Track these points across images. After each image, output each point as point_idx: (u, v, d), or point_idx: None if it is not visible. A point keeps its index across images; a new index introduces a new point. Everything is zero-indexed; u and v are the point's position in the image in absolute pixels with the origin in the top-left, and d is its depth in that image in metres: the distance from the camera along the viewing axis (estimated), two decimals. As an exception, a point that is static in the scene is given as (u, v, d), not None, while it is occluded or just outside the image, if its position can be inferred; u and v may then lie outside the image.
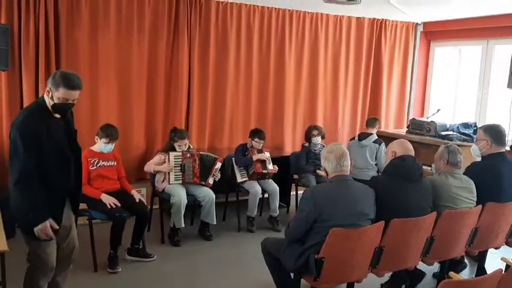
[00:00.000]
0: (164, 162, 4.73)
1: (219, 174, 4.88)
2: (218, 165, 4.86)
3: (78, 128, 4.51)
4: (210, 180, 4.82)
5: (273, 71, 6.27)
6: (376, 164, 5.67)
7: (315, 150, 5.60)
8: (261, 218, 5.50)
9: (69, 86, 2.75)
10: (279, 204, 5.38)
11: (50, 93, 2.77)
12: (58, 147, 2.84)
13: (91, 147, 4.28)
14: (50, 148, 2.78)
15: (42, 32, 4.87)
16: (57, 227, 2.81)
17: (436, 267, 3.89)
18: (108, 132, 4.24)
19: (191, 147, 5.04)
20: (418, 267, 3.62)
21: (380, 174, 5.50)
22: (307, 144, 5.73)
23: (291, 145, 6.49)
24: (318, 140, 5.61)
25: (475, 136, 4.85)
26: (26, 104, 4.89)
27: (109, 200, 4.05)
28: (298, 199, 4.26)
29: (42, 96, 2.87)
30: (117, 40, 5.29)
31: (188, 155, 4.76)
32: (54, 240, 2.89)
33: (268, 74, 6.25)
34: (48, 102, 2.80)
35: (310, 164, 5.58)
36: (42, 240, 2.80)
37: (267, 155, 5.27)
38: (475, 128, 5.62)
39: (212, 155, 4.95)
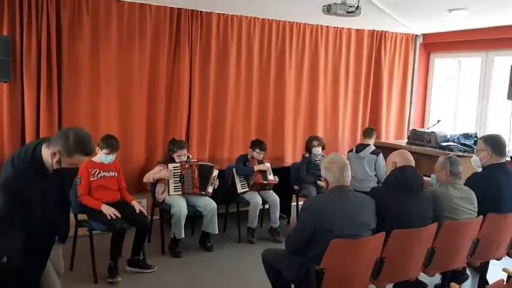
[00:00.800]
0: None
1: (217, 181, 4.88)
2: (215, 172, 4.86)
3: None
4: (210, 189, 4.82)
5: (273, 82, 6.30)
6: (375, 175, 5.66)
7: (316, 160, 5.59)
8: (262, 229, 5.48)
9: (86, 153, 2.52)
10: (280, 215, 5.36)
11: (57, 157, 2.46)
12: (48, 214, 2.55)
13: (92, 158, 4.28)
14: (40, 214, 2.50)
15: (44, 44, 4.91)
16: None
17: (437, 278, 3.87)
18: (109, 143, 4.24)
19: (190, 157, 5.05)
20: (419, 278, 3.61)
21: (380, 185, 5.50)
22: (307, 155, 5.73)
23: (291, 156, 6.50)
24: (318, 150, 5.61)
25: (475, 147, 4.85)
26: (27, 115, 4.93)
27: (109, 211, 4.04)
28: (299, 210, 4.26)
29: (39, 149, 2.52)
30: (118, 52, 5.33)
31: (187, 165, 4.76)
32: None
33: (269, 85, 6.28)
34: (50, 163, 2.49)
35: (311, 174, 5.58)
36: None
37: (267, 165, 5.28)
38: (476, 139, 5.62)
39: (209, 163, 4.95)
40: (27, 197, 2.42)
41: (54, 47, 4.99)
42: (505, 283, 2.41)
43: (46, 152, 2.50)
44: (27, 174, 2.45)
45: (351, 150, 5.94)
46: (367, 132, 5.88)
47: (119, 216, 4.06)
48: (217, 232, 4.83)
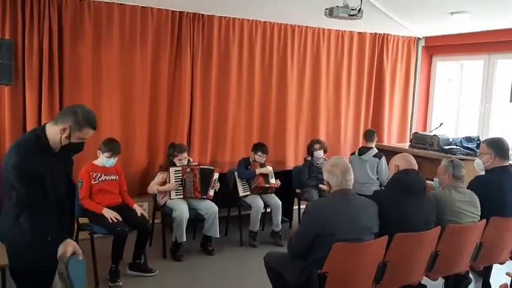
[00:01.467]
0: (165, 181, 4.72)
1: (218, 184, 4.87)
2: (216, 175, 4.85)
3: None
4: (211, 192, 4.81)
5: (275, 85, 6.30)
6: (377, 178, 5.64)
7: (318, 164, 5.58)
8: (264, 232, 5.46)
9: (93, 127, 2.61)
10: (282, 218, 5.34)
11: (67, 132, 2.51)
12: (56, 190, 2.59)
13: (93, 162, 4.28)
14: (50, 191, 2.53)
15: (46, 47, 4.91)
16: (80, 251, 2.59)
17: (440, 282, 3.84)
18: (111, 146, 4.24)
19: (191, 160, 5.03)
20: (422, 282, 3.58)
21: (382, 188, 5.48)
22: (309, 158, 5.71)
23: (293, 159, 6.48)
24: (320, 154, 5.60)
25: (478, 150, 4.83)
26: (29, 118, 4.92)
27: (111, 215, 4.03)
28: (301, 213, 4.24)
29: (41, 129, 2.58)
30: (120, 55, 5.33)
31: (188, 169, 4.75)
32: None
33: (271, 89, 6.28)
34: (58, 140, 2.53)
35: (313, 178, 5.56)
36: (40, 284, 2.61)
37: (269, 169, 5.26)
38: (478, 142, 5.60)
39: (209, 167, 4.94)
40: (40, 173, 2.46)
41: (56, 50, 4.99)
42: (508, 287, 2.38)
43: (53, 130, 2.53)
44: (34, 152, 2.49)
45: (353, 153, 5.92)
46: (369, 135, 5.85)
47: (120, 219, 4.05)
48: (218, 236, 4.81)
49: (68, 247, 2.48)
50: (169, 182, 4.71)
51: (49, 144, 2.54)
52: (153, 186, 4.77)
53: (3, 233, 2.62)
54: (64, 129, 2.51)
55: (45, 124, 2.61)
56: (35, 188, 2.45)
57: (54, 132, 2.53)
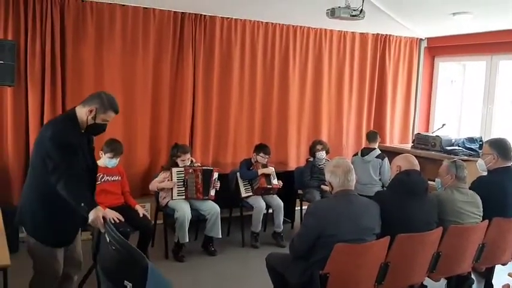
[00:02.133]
0: (167, 180, 4.73)
1: (219, 183, 4.88)
2: (215, 175, 4.86)
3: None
4: (212, 192, 4.82)
5: (277, 86, 6.30)
6: (380, 179, 5.63)
7: (320, 165, 5.58)
8: (265, 233, 5.46)
9: (116, 110, 2.95)
10: (284, 219, 5.34)
11: (93, 113, 2.84)
12: (86, 162, 2.91)
13: (95, 162, 4.28)
14: (80, 162, 2.84)
15: (49, 48, 4.93)
16: (110, 216, 2.88)
17: (442, 283, 3.84)
18: (113, 147, 4.25)
19: (194, 161, 5.04)
20: (424, 283, 3.57)
21: (385, 189, 5.48)
22: (311, 159, 5.71)
23: (295, 160, 6.48)
24: (322, 154, 5.60)
25: (480, 151, 4.83)
26: (31, 119, 4.94)
27: (113, 215, 4.01)
28: (303, 214, 4.23)
29: (72, 111, 2.92)
30: (122, 56, 5.34)
31: (191, 170, 4.75)
32: (63, 248, 2.99)
33: (272, 89, 6.28)
34: (86, 120, 2.86)
35: (315, 179, 5.56)
36: (56, 247, 2.91)
37: (271, 169, 5.26)
38: (481, 143, 5.59)
39: (209, 167, 4.93)
40: (74, 144, 2.78)
41: (58, 51, 5.00)
42: (511, 288, 2.38)
43: (82, 111, 2.86)
44: (68, 127, 2.82)
45: (356, 154, 5.92)
46: (372, 136, 5.84)
47: (122, 220, 4.01)
48: (220, 236, 4.82)
49: (99, 213, 2.66)
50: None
51: (78, 124, 2.87)
52: (154, 184, 4.78)
53: (26, 212, 2.88)
54: (91, 111, 2.84)
55: (75, 107, 2.94)
56: (70, 156, 2.73)
57: (82, 113, 2.86)
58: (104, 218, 2.64)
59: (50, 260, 2.91)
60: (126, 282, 2.23)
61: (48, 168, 2.72)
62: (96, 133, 3.01)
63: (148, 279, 2.15)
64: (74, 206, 2.71)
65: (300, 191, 5.76)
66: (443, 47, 6.99)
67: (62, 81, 5.06)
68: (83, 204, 2.68)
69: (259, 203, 5.11)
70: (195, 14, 5.63)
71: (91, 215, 2.64)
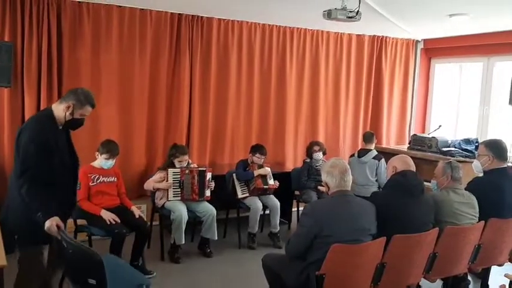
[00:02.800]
0: (164, 180, 4.72)
1: (213, 183, 4.86)
2: (209, 175, 4.84)
3: (79, 144, 4.54)
4: (207, 193, 4.80)
5: (274, 87, 6.30)
6: (376, 180, 5.63)
7: (316, 166, 5.58)
8: (262, 234, 5.45)
9: (93, 105, 3.08)
10: (280, 220, 5.35)
11: (71, 109, 2.98)
12: (63, 159, 3.01)
13: (91, 163, 4.28)
14: (57, 159, 2.94)
15: (45, 49, 4.92)
16: (62, 225, 2.88)
17: (439, 284, 3.84)
18: (109, 148, 4.25)
19: (190, 162, 5.03)
20: (420, 284, 3.58)
21: (381, 190, 5.48)
22: (308, 160, 5.72)
23: (292, 161, 6.48)
24: (319, 155, 5.60)
25: (476, 152, 4.84)
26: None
27: (109, 216, 4.03)
28: (300, 215, 4.23)
29: (48, 109, 3.06)
30: (119, 57, 5.34)
31: (187, 171, 4.74)
32: (47, 246, 3.04)
33: (270, 91, 6.28)
34: (63, 116, 2.99)
35: (312, 180, 5.56)
36: (41, 244, 2.97)
37: (268, 170, 5.26)
38: (477, 144, 5.60)
39: (202, 168, 4.93)
40: (48, 141, 2.88)
41: (54, 52, 4.99)
42: (506, 289, 2.38)
43: (59, 108, 2.99)
44: (45, 123, 2.94)
45: (352, 155, 5.92)
46: (368, 137, 5.85)
47: (118, 221, 4.05)
48: (216, 238, 4.81)
49: (53, 221, 2.81)
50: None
51: (56, 121, 2.99)
52: (150, 183, 4.77)
53: (11, 211, 2.99)
54: (68, 107, 2.97)
55: (52, 105, 3.09)
56: (45, 158, 2.84)
57: (59, 110, 2.99)
58: (58, 226, 2.81)
59: (38, 257, 2.98)
60: (90, 280, 2.47)
61: (17, 170, 2.87)
62: (75, 128, 3.13)
63: (107, 271, 2.39)
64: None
65: (297, 192, 5.76)
66: (439, 48, 7.01)
67: (58, 83, 5.05)
68: (39, 213, 2.82)
69: (255, 204, 5.10)
70: (192, 15, 5.64)
71: (47, 223, 2.80)
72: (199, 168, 4.89)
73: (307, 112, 6.58)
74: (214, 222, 4.75)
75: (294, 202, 5.93)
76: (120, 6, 5.25)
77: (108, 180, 4.28)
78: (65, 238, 2.68)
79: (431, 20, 5.61)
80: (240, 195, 5.18)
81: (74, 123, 3.06)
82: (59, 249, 2.84)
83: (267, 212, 5.35)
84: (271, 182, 5.24)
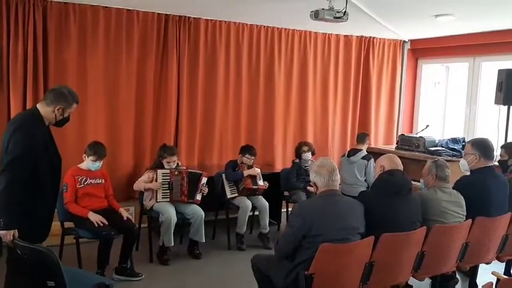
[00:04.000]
0: (153, 180, 4.69)
1: (207, 189, 4.84)
2: (204, 180, 4.82)
3: (66, 145, 4.52)
4: (198, 197, 4.78)
5: (262, 88, 6.30)
6: (365, 180, 5.65)
7: (305, 166, 5.58)
8: (251, 235, 5.45)
9: (78, 102, 3.24)
10: (270, 221, 5.33)
11: (61, 110, 3.11)
12: (52, 159, 3.10)
13: (78, 165, 4.24)
14: (44, 156, 3.02)
15: (31, 50, 4.86)
16: (17, 234, 2.91)
17: (427, 283, 3.86)
18: (96, 149, 4.21)
19: (179, 164, 5.01)
20: (409, 283, 3.59)
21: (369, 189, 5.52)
22: (297, 161, 5.72)
23: (281, 162, 6.48)
24: (308, 156, 5.61)
25: (463, 151, 4.88)
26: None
27: (96, 218, 3.99)
28: (289, 215, 4.23)
29: (34, 108, 3.12)
30: (105, 58, 5.29)
31: (176, 172, 4.72)
32: None
33: (258, 91, 6.27)
34: (53, 117, 3.11)
35: (301, 180, 5.57)
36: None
37: (257, 170, 5.26)
38: (464, 144, 5.65)
39: (198, 171, 4.92)
40: (36, 138, 2.97)
41: (40, 53, 4.94)
42: (494, 286, 2.39)
43: (47, 110, 3.08)
44: (33, 121, 3.03)
45: (343, 155, 5.96)
46: (360, 138, 5.90)
47: (106, 223, 4.01)
48: (204, 240, 4.79)
49: (9, 231, 2.87)
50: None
51: (43, 120, 3.08)
52: (139, 183, 4.74)
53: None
54: (59, 109, 3.10)
55: (36, 105, 3.16)
56: (29, 156, 2.89)
57: (48, 111, 3.09)
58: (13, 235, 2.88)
59: None
60: (48, 283, 2.49)
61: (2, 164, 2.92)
62: (63, 125, 3.27)
63: (63, 270, 2.42)
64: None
65: (286, 193, 5.76)
66: (426, 48, 7.06)
67: (44, 84, 4.99)
68: (1, 220, 2.87)
69: (245, 203, 5.09)
70: (179, 16, 5.61)
71: (2, 231, 2.88)
72: (194, 171, 4.88)
73: (295, 112, 6.58)
74: (202, 225, 4.73)
75: (283, 203, 5.92)
76: (106, 7, 5.21)
77: (95, 182, 4.24)
78: (18, 244, 2.69)
79: (418, 21, 5.65)
80: (229, 195, 5.17)
81: (64, 121, 3.22)
82: (15, 259, 2.82)
83: (256, 213, 5.34)
84: (260, 182, 5.24)
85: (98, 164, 4.23)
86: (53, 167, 3.11)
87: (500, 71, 5.30)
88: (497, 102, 5.37)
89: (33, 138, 2.96)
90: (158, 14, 5.50)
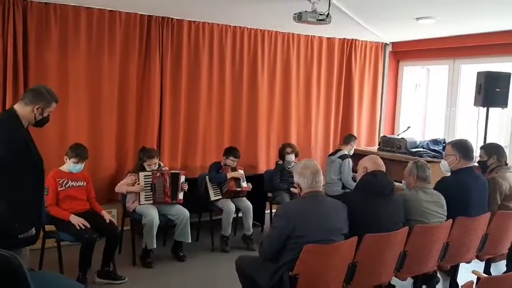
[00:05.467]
0: (135, 183, 4.66)
1: (187, 185, 4.84)
2: (182, 178, 4.81)
3: (47, 148, 4.44)
4: (180, 196, 4.77)
5: (246, 89, 6.30)
6: (340, 179, 5.73)
7: (289, 168, 5.60)
8: (235, 237, 5.44)
9: (57, 100, 3.19)
10: (253, 223, 5.34)
11: (40, 110, 3.06)
12: (35, 159, 3.04)
13: (59, 168, 4.19)
14: (27, 158, 2.98)
15: (11, 51, 4.78)
16: None
17: (409, 282, 3.90)
18: (78, 151, 4.16)
19: (161, 165, 4.98)
20: (391, 282, 3.63)
21: (347, 189, 5.62)
22: (281, 162, 5.74)
23: (264, 163, 6.49)
24: (291, 157, 5.63)
25: (444, 152, 4.96)
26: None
27: (78, 221, 3.94)
28: (273, 217, 4.24)
29: (12, 110, 3.07)
30: (87, 59, 5.24)
31: (158, 174, 4.70)
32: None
33: (242, 93, 6.28)
34: (32, 117, 3.05)
35: (284, 181, 5.58)
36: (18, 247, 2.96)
37: (241, 172, 5.25)
38: (444, 145, 5.73)
39: (176, 171, 4.89)
40: (16, 140, 2.93)
41: (20, 54, 4.86)
42: (474, 285, 2.43)
43: (26, 109, 3.03)
44: (11, 123, 2.98)
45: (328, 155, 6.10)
46: (345, 139, 6.06)
47: (88, 226, 3.97)
48: (190, 241, 4.77)
49: None
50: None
51: (21, 120, 3.02)
52: (122, 186, 4.71)
53: None
54: (38, 108, 3.05)
55: (13, 106, 3.10)
56: (12, 158, 2.85)
57: (27, 111, 3.03)
58: None
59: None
60: None
61: None
62: (43, 125, 3.22)
63: (28, 274, 2.32)
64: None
65: (269, 194, 5.77)
66: (407, 51, 7.15)
67: (24, 86, 4.89)
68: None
69: (228, 206, 5.08)
70: (162, 17, 5.58)
71: None
72: (173, 171, 4.85)
73: (279, 114, 6.60)
74: (188, 225, 4.71)
75: (267, 204, 5.93)
76: (88, 8, 5.16)
77: (77, 184, 4.19)
78: None
79: (399, 24, 5.72)
80: (212, 197, 5.16)
81: (44, 121, 3.17)
82: None
83: (240, 214, 5.33)
84: (244, 184, 5.23)
85: (80, 166, 4.18)
86: (36, 169, 3.06)
87: (479, 74, 5.39)
88: (476, 104, 5.46)
89: (14, 139, 2.91)
90: (141, 15, 5.47)
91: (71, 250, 4.04)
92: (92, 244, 3.91)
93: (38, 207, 3.10)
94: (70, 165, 4.15)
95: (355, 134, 7.02)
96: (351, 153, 5.95)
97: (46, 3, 4.93)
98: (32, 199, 3.02)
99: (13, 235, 2.89)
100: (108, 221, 4.20)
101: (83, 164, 4.22)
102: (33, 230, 3.01)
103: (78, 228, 3.92)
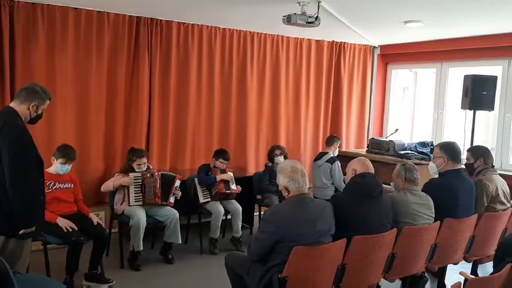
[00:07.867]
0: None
1: (180, 192, 4.81)
2: (177, 182, 4.79)
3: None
4: (171, 199, 4.74)
5: (235, 92, 6.29)
6: (332, 183, 5.73)
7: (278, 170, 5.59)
8: (224, 239, 5.42)
9: (50, 98, 3.32)
10: (242, 225, 5.33)
11: (35, 107, 3.18)
12: (37, 153, 3.18)
13: (46, 169, 4.11)
14: (34, 151, 3.13)
15: (-3, 52, 4.74)
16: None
17: (398, 284, 3.92)
18: (65, 152, 4.12)
19: (150, 167, 4.95)
20: (380, 284, 3.64)
21: (339, 192, 5.59)
22: (270, 164, 5.74)
23: (254, 165, 6.48)
24: (280, 159, 5.63)
25: (431, 155, 5.00)
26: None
27: (65, 224, 3.90)
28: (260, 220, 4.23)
29: (10, 108, 3.16)
30: (75, 61, 5.19)
31: (148, 174, 4.67)
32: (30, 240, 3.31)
33: (231, 95, 6.27)
34: (28, 114, 3.17)
35: (273, 184, 5.55)
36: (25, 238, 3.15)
37: (230, 175, 5.24)
38: (432, 147, 5.78)
39: (171, 173, 4.88)
40: (29, 134, 3.10)
41: (7, 54, 4.80)
42: (462, 286, 2.45)
43: (21, 107, 3.15)
44: (17, 115, 3.11)
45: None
46: (328, 141, 6.03)
47: (76, 228, 3.93)
48: (180, 242, 4.74)
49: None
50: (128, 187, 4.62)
51: (20, 115, 3.14)
52: (108, 183, 4.69)
53: None
54: (33, 106, 3.17)
55: (9, 105, 3.22)
56: (31, 151, 3.06)
57: (23, 109, 3.16)
58: None
59: (27, 249, 3.17)
60: None
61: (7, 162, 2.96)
62: (36, 121, 3.33)
63: (13, 277, 2.36)
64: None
65: (258, 196, 5.77)
66: (395, 54, 7.21)
67: (10, 86, 4.84)
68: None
69: (217, 208, 5.07)
70: (150, 18, 5.56)
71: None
72: (168, 173, 4.84)
73: (268, 116, 6.61)
74: (178, 226, 4.68)
75: (256, 206, 5.93)
76: (76, 8, 5.11)
77: (64, 186, 4.15)
78: None
79: (388, 27, 5.76)
80: (201, 200, 5.14)
81: (38, 118, 3.28)
82: None
83: (229, 217, 5.31)
84: (233, 186, 5.23)
85: (67, 167, 4.14)
86: (40, 162, 3.19)
87: (466, 77, 5.45)
88: (463, 107, 5.51)
89: (26, 129, 3.08)
90: (130, 16, 5.44)
91: (58, 253, 3.99)
92: (79, 247, 3.88)
93: (43, 202, 3.27)
94: (57, 166, 4.10)
95: (344, 136, 7.09)
96: (336, 154, 5.96)
97: (33, 3, 4.88)
98: (42, 194, 3.22)
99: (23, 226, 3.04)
100: (95, 224, 4.15)
101: (71, 165, 4.17)
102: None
103: (66, 230, 3.87)
